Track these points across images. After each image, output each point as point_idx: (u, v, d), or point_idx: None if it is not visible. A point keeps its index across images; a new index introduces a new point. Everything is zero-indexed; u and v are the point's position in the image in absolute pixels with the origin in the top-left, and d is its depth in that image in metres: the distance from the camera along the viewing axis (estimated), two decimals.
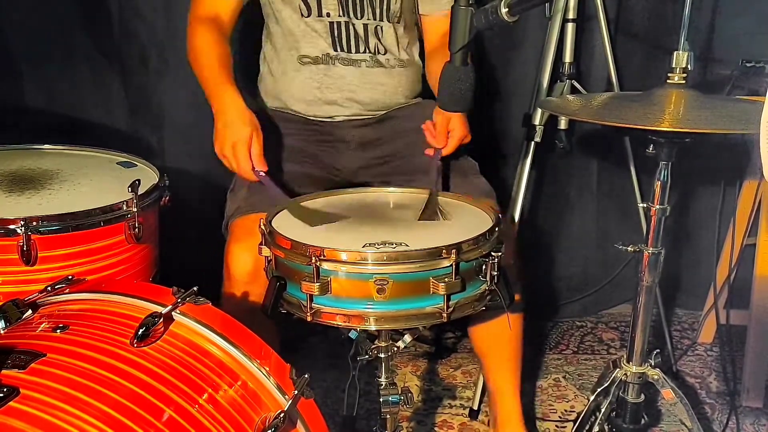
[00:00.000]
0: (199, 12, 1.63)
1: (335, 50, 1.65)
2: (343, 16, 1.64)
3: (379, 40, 1.67)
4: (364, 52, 1.66)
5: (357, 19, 1.65)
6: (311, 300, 1.09)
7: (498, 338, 1.66)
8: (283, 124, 1.68)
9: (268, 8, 1.69)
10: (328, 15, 1.64)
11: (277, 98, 1.72)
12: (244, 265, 1.38)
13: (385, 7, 1.66)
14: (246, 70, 1.76)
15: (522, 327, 1.67)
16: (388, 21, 1.67)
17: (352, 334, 1.23)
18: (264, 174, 1.42)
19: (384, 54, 1.68)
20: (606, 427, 1.47)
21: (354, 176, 1.69)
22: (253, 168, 1.43)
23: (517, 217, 1.96)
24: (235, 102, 1.49)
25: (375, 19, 1.66)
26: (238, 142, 1.43)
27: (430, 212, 1.28)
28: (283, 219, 1.25)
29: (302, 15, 1.64)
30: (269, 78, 1.73)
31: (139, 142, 2.10)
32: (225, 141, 1.44)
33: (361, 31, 1.66)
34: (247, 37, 1.81)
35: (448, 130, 1.51)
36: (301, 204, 1.31)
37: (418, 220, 1.26)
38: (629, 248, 1.38)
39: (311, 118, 1.70)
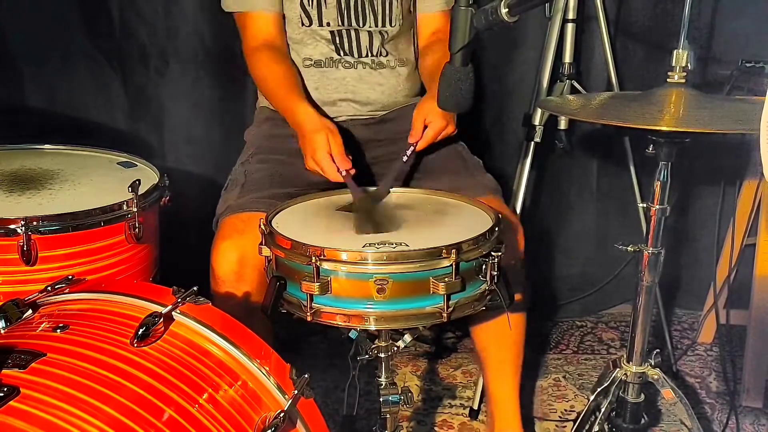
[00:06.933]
0: (251, 43, 1.65)
1: (339, 55, 1.66)
2: (344, 25, 1.64)
3: (383, 43, 1.67)
4: (366, 56, 1.67)
5: (360, 26, 1.65)
6: (311, 300, 1.09)
7: (499, 339, 1.65)
8: (284, 125, 1.68)
9: None
10: (329, 24, 1.64)
11: None
12: (229, 263, 1.38)
13: (387, 11, 1.66)
14: (244, 70, 1.76)
15: (524, 328, 1.66)
16: (391, 25, 1.67)
17: (352, 334, 1.23)
18: (346, 173, 1.41)
19: (386, 56, 1.68)
20: (606, 427, 1.47)
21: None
22: (338, 169, 1.41)
23: None
24: (306, 113, 1.50)
25: (377, 25, 1.66)
26: (316, 150, 1.43)
27: (363, 221, 1.21)
28: (284, 218, 1.25)
29: (303, 24, 1.65)
30: None
31: (139, 142, 2.10)
32: (307, 153, 1.46)
33: (364, 37, 1.66)
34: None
35: (425, 124, 1.49)
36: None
37: (356, 233, 1.18)
38: (629, 248, 1.38)
39: None
